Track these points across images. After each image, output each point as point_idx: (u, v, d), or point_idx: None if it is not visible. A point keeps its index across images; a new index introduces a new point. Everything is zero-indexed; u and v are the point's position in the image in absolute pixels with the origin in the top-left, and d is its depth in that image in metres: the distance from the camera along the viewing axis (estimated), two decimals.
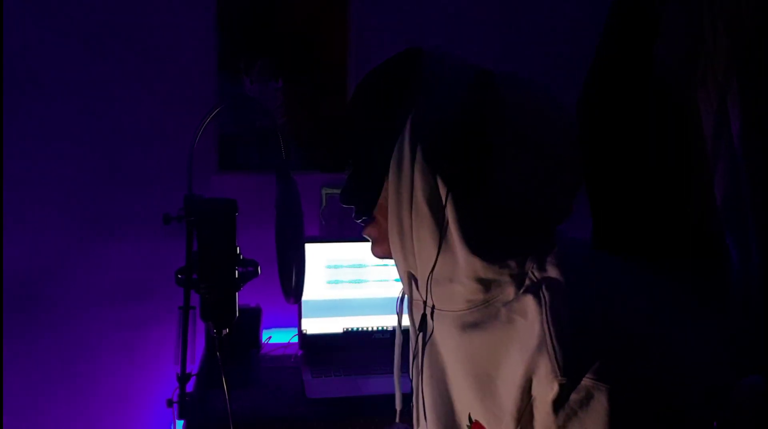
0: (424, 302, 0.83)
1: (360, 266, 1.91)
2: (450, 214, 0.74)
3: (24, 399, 2.00)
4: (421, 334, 0.86)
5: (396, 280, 1.91)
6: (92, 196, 1.99)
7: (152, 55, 1.97)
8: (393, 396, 1.57)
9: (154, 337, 2.04)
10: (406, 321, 0.92)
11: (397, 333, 0.96)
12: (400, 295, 0.94)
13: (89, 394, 2.04)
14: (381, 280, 1.93)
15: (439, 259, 0.77)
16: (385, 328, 1.94)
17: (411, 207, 0.77)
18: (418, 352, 0.88)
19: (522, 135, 0.75)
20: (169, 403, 1.12)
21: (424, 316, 0.85)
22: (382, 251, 0.86)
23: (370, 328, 1.93)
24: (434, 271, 0.79)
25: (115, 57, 1.95)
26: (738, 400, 0.81)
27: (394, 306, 0.96)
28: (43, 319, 1.99)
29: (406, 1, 2.08)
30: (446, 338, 0.83)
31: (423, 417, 0.88)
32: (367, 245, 0.88)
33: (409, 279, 0.85)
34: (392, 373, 0.98)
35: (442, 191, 0.74)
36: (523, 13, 2.14)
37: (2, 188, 1.92)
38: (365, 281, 1.92)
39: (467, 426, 0.81)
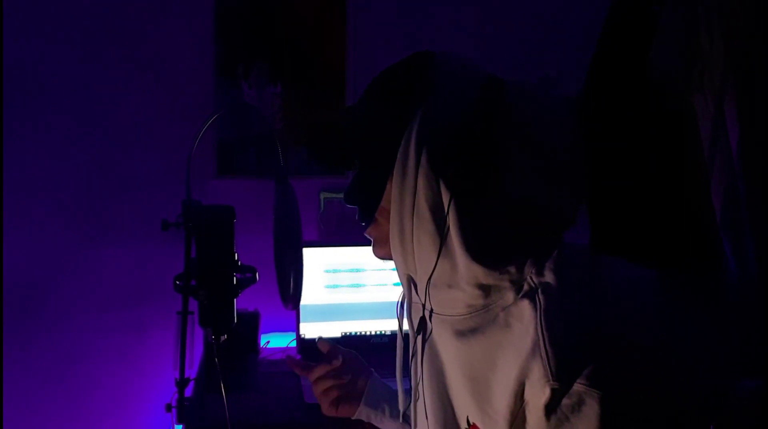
0: (423, 305, 0.83)
1: (358, 271, 1.91)
2: (451, 220, 0.74)
3: (23, 404, 1.99)
4: (419, 336, 0.86)
5: (395, 285, 1.91)
6: (91, 202, 1.99)
7: (150, 60, 1.98)
8: None
9: (152, 342, 2.04)
10: (406, 325, 0.92)
11: (399, 336, 0.95)
12: (400, 299, 0.94)
13: (88, 398, 2.04)
14: (379, 285, 1.93)
15: (438, 264, 0.77)
16: (383, 332, 1.94)
17: (413, 210, 0.77)
18: (416, 353, 0.88)
19: (529, 142, 0.75)
20: (168, 407, 1.12)
21: (422, 318, 0.85)
22: (383, 252, 0.86)
23: (368, 333, 1.93)
24: (433, 276, 0.79)
25: (113, 63, 1.95)
26: (737, 403, 0.81)
27: (392, 310, 0.96)
28: (42, 324, 1.99)
29: (403, 7, 2.09)
30: (445, 342, 0.83)
31: (424, 417, 0.88)
32: (365, 250, 0.88)
33: (409, 282, 0.85)
34: (391, 377, 0.98)
35: (445, 197, 0.74)
36: (522, 21, 2.14)
37: (2, 193, 1.92)
38: (363, 286, 1.92)
39: None
